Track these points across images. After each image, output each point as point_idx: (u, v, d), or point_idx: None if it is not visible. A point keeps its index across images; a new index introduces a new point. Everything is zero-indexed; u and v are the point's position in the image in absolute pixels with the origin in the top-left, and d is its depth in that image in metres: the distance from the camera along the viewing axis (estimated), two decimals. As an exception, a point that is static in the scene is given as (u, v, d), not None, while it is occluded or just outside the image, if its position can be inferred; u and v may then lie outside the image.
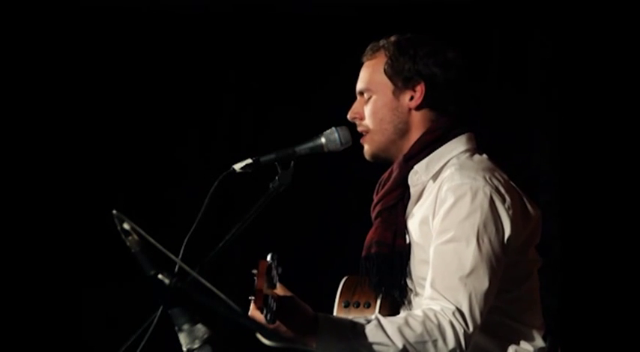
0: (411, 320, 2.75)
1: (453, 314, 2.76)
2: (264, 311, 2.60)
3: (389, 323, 2.75)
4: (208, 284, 2.24)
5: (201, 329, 2.18)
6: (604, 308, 4.86)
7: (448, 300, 2.77)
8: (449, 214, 2.86)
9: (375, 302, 3.03)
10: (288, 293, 2.76)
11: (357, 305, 3.04)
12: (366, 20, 4.98)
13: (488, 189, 2.86)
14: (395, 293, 2.99)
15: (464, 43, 3.14)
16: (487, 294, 2.80)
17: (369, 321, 2.76)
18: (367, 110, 3.05)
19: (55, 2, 5.20)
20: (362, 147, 3.08)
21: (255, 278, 2.56)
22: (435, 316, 2.76)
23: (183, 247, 2.84)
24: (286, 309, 2.70)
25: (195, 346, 2.17)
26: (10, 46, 5.18)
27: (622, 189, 4.89)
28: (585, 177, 4.91)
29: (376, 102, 3.03)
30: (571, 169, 4.94)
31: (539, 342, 2.95)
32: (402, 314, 2.82)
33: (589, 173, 4.91)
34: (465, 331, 2.76)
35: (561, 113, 4.95)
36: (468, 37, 4.88)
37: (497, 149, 3.11)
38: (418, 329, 2.74)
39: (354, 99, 3.10)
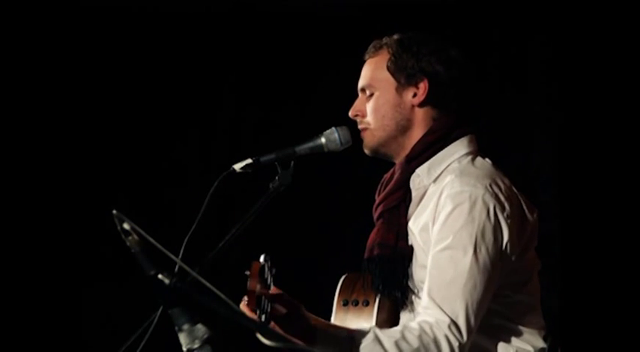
0: (407, 334, 2.76)
1: (449, 327, 2.76)
2: (258, 313, 2.60)
3: (386, 337, 2.76)
4: (208, 284, 2.24)
5: (201, 329, 2.17)
6: (604, 309, 4.86)
7: (444, 312, 2.78)
8: (446, 222, 2.85)
9: (374, 301, 3.02)
10: (283, 295, 2.76)
11: (356, 304, 3.04)
12: (365, 20, 4.98)
13: (488, 198, 2.84)
14: (397, 295, 2.98)
15: (464, 43, 3.13)
16: (483, 303, 2.80)
17: (366, 334, 2.76)
18: (369, 107, 3.03)
19: (55, 2, 5.20)
20: (362, 147, 3.08)
21: (248, 279, 2.56)
22: (431, 329, 2.76)
23: (183, 247, 2.84)
24: (286, 316, 2.71)
25: (195, 346, 2.16)
26: (10, 46, 5.18)
27: (622, 189, 4.89)
28: (585, 177, 4.91)
29: (378, 98, 3.02)
30: (571, 169, 4.94)
31: (540, 343, 2.95)
32: (399, 327, 2.82)
33: (589, 173, 4.91)
34: (459, 343, 2.77)
35: (561, 113, 4.95)
36: (468, 37, 4.88)
37: (498, 149, 3.11)
38: (415, 343, 2.75)
39: (354, 99, 3.10)
